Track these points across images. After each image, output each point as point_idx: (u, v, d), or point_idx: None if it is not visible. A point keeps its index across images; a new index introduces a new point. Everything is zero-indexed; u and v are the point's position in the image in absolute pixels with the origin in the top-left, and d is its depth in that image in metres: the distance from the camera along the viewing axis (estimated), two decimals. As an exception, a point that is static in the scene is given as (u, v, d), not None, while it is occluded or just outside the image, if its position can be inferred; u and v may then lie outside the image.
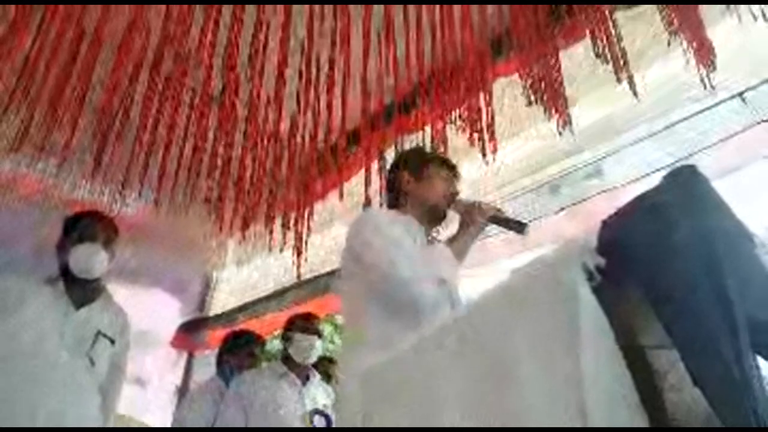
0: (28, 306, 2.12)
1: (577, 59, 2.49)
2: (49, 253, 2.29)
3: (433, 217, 1.76)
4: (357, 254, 1.57)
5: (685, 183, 0.78)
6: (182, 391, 4.10)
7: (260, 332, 3.67)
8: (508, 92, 2.64)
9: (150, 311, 3.69)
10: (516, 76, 2.47)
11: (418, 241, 1.64)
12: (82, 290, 2.21)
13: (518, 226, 1.69)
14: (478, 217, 1.70)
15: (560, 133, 2.42)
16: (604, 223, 0.81)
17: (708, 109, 2.37)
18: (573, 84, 2.48)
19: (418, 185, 1.77)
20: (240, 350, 3.25)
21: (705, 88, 2.13)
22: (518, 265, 0.93)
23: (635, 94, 2.27)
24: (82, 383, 2.13)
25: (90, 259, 2.18)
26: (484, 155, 2.20)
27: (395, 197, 1.80)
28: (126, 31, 2.24)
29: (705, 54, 2.12)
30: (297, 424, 2.74)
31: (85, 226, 2.25)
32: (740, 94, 2.23)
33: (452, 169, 1.85)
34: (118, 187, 2.56)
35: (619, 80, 2.30)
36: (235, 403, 2.80)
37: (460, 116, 2.34)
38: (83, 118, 2.25)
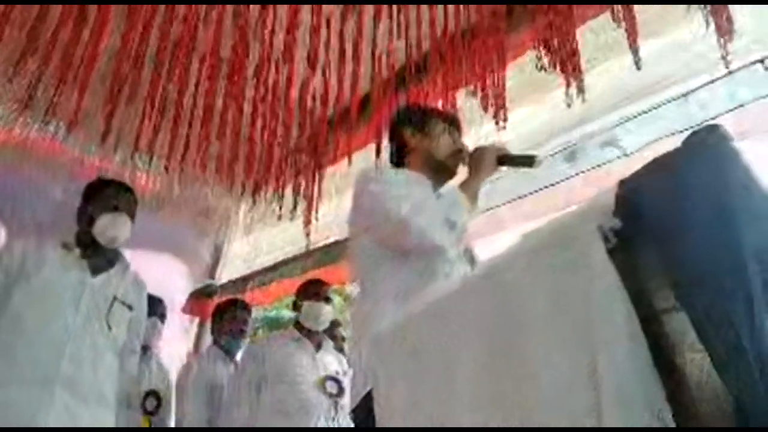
0: (45, 271, 2.13)
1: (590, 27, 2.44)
2: (64, 218, 2.29)
3: (441, 174, 1.74)
4: (366, 209, 1.57)
5: (706, 144, 0.76)
6: (193, 357, 4.15)
7: (270, 300, 3.69)
8: (521, 59, 2.59)
9: (161, 279, 3.71)
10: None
11: (426, 192, 1.63)
12: (98, 257, 2.23)
13: (528, 161, 1.64)
14: (484, 161, 1.67)
15: (571, 102, 2.39)
16: (621, 183, 0.79)
17: (725, 76, 2.32)
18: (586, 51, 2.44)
19: (421, 140, 1.75)
20: (231, 319, 3.31)
21: (723, 58, 2.09)
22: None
23: (638, 66, 2.25)
24: (99, 347, 2.16)
25: (118, 229, 2.19)
26: (497, 122, 2.17)
27: (400, 155, 1.79)
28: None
29: (724, 23, 2.08)
30: (311, 388, 2.78)
31: (112, 194, 2.25)
32: (761, 61, 2.18)
33: (453, 121, 1.82)
34: (129, 153, 2.56)
35: (631, 48, 2.27)
36: (250, 367, 2.84)
37: (473, 82, 2.30)
38: (93, 82, 2.23)
